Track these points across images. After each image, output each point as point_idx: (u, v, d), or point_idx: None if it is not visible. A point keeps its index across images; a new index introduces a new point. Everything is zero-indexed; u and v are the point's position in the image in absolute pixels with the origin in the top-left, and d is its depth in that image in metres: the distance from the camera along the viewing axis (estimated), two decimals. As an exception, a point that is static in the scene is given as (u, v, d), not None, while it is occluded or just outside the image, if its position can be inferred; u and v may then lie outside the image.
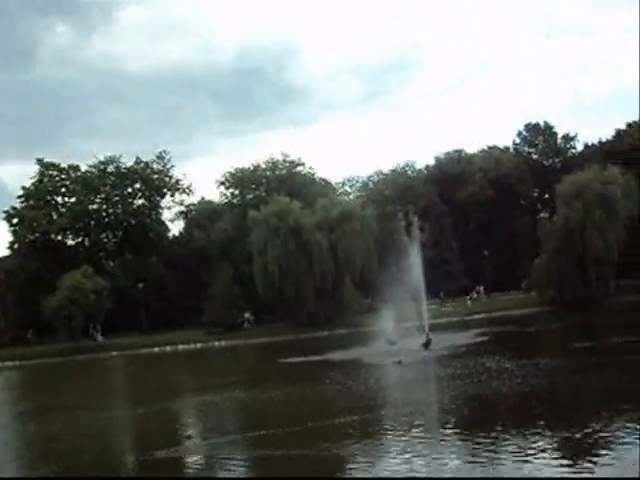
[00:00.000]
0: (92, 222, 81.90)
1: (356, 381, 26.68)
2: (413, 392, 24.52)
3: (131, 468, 16.59)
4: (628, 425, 15.20)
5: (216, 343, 62.76)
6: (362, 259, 64.26)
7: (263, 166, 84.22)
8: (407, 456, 14.27)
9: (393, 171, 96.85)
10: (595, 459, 12.79)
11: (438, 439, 15.76)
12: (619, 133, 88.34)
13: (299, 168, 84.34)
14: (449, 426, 17.28)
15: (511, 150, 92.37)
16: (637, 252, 60.04)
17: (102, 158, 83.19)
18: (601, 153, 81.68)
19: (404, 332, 38.70)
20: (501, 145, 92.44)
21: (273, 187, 78.85)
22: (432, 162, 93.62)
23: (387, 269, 48.22)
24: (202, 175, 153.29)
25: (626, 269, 63.90)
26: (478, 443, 14.94)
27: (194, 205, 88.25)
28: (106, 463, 17.43)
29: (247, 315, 68.81)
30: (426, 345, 35.25)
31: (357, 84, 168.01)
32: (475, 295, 70.28)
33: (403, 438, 16.19)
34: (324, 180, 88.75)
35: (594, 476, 10.26)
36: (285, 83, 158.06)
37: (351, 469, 14.05)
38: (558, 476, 11.86)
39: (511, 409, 18.60)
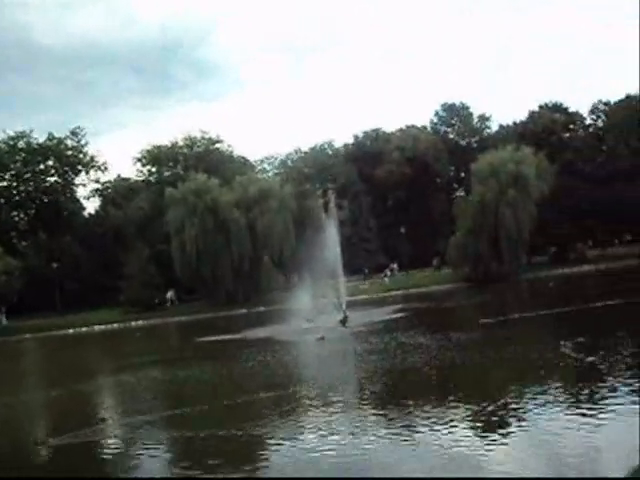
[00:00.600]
0: (2, 200, 79.30)
1: (272, 358, 26.59)
2: (329, 368, 24.58)
3: (45, 452, 16.16)
4: (534, 395, 15.65)
5: (133, 323, 61.99)
6: (280, 237, 64.42)
7: (180, 143, 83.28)
8: (324, 432, 14.25)
9: (312, 149, 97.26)
10: (505, 429, 13.08)
11: (355, 414, 15.71)
12: (532, 114, 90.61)
13: (217, 145, 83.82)
14: (366, 401, 17.35)
15: (428, 129, 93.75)
16: (547, 231, 62.22)
17: (12, 133, 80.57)
18: (515, 134, 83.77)
19: (321, 309, 38.82)
20: (419, 124, 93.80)
21: (191, 164, 78.15)
22: (351, 141, 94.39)
23: (305, 247, 48.19)
24: (118, 151, 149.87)
25: (537, 247, 66.14)
26: (394, 417, 15.05)
27: (110, 182, 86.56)
28: (19, 447, 16.97)
29: (170, 294, 68.07)
30: (343, 322, 35.44)
31: (277, 62, 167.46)
32: (389, 272, 71.32)
33: (320, 414, 16.11)
34: (243, 158, 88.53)
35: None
36: (203, 59, 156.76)
37: (268, 447, 13.94)
38: (484, 448, 11.98)
39: (426, 383, 18.79)
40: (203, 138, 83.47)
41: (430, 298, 50.08)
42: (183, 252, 63.51)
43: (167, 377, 25.85)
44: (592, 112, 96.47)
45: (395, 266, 73.23)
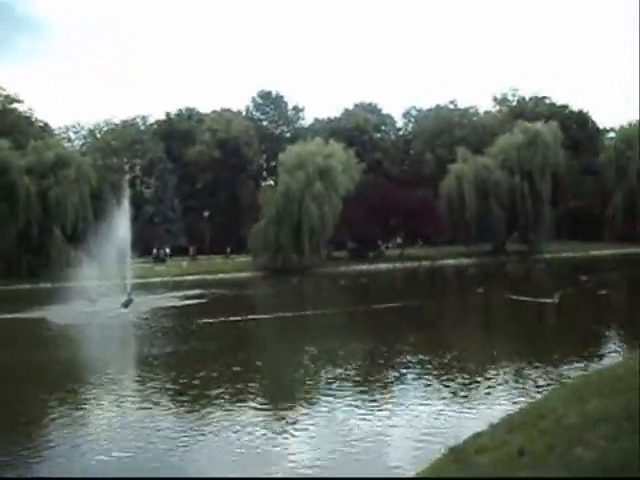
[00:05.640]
0: None
1: (32, 346, 24.28)
2: (92, 355, 23.27)
3: None
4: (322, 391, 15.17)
5: None
6: (75, 209, 60.14)
7: (-29, 97, 75.91)
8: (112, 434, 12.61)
9: (123, 122, 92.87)
10: (298, 422, 12.94)
11: (139, 411, 14.32)
12: (347, 112, 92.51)
13: (15, 105, 77.18)
14: (140, 393, 16.06)
15: (243, 115, 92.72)
16: (350, 226, 62.86)
17: None
18: (328, 128, 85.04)
19: (107, 290, 36.55)
20: (235, 109, 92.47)
21: (-19, 122, 71.33)
22: (163, 118, 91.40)
23: (101, 223, 45.36)
24: None
25: (339, 242, 66.93)
26: (185, 406, 14.47)
27: None
28: None
29: None
30: (126, 305, 33.34)
31: (102, 30, 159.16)
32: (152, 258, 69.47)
33: (94, 408, 14.78)
34: (43, 122, 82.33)
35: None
36: (23, 13, 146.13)
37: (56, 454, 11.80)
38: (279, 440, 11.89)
39: (206, 370, 17.88)
40: (-1, 95, 76.60)
41: (224, 285, 48.78)
42: (-41, 217, 57.61)
43: None
44: (404, 116, 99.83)
45: (166, 251, 71.21)
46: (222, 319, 28.39)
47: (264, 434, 12.11)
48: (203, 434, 12.25)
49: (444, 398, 13.88)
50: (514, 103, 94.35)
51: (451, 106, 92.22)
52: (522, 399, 12.74)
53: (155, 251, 69.70)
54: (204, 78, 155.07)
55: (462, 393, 14.21)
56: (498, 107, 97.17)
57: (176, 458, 11.00)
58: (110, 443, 11.90)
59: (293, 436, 12.05)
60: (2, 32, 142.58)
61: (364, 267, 61.51)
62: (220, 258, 68.96)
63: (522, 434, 7.48)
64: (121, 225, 38.78)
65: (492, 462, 6.76)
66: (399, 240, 72.55)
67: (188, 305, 35.90)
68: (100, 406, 14.91)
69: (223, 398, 15.00)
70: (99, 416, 14.04)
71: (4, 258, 57.46)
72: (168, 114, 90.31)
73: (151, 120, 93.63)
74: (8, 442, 12.48)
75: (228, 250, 69.71)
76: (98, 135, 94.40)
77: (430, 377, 16.07)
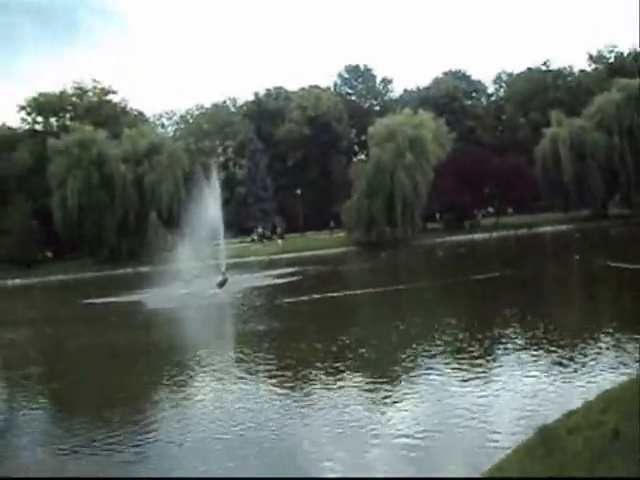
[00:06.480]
0: None
1: (130, 328, 24.88)
2: (185, 335, 23.79)
3: None
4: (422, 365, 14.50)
5: (9, 282, 58.09)
6: (169, 194, 61.57)
7: (70, 92, 78.19)
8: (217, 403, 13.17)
9: (214, 106, 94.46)
10: (396, 393, 12.63)
11: (237, 391, 14.27)
12: (435, 80, 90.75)
13: (110, 96, 79.20)
14: (243, 368, 16.32)
15: (331, 90, 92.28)
16: (443, 197, 61.48)
17: None
18: (418, 98, 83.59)
19: (201, 271, 37.06)
20: (323, 85, 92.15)
21: (80, 115, 73.55)
22: (252, 98, 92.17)
23: (194, 205, 46.15)
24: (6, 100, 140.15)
25: (432, 213, 65.76)
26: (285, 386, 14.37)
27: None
28: None
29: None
30: (221, 285, 33.65)
31: (184, 16, 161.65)
32: (255, 237, 70.10)
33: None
34: (138, 111, 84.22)
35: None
36: (108, 7, 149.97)
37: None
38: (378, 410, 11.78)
39: (300, 347, 18.07)
40: (95, 88, 78.56)
41: (321, 261, 48.75)
42: (64, 207, 59.76)
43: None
44: (495, 82, 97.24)
45: (260, 229, 72.17)
46: (315, 296, 28.26)
47: (365, 410, 11.92)
48: (303, 413, 12.12)
49: (539, 373, 13.20)
50: (611, 60, 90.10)
51: (543, 68, 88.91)
52: (620, 375, 11.92)
53: (260, 230, 70.86)
54: (290, 56, 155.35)
55: (557, 368, 13.47)
56: (594, 65, 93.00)
57: (278, 439, 10.84)
58: (210, 424, 11.84)
59: (393, 411, 11.78)
60: (89, 27, 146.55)
61: (460, 237, 60.05)
62: (318, 234, 69.24)
63: (618, 413, 6.91)
64: (213, 206, 39.19)
65: (584, 444, 6.25)
66: (490, 209, 70.77)
67: (282, 283, 36.00)
68: (198, 386, 15.02)
69: (319, 375, 14.81)
70: (198, 396, 14.07)
71: (106, 244, 59.54)
72: (257, 94, 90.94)
73: (240, 102, 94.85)
74: (111, 423, 12.62)
75: (332, 225, 69.44)
76: (190, 120, 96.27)
77: (524, 351, 15.35)
